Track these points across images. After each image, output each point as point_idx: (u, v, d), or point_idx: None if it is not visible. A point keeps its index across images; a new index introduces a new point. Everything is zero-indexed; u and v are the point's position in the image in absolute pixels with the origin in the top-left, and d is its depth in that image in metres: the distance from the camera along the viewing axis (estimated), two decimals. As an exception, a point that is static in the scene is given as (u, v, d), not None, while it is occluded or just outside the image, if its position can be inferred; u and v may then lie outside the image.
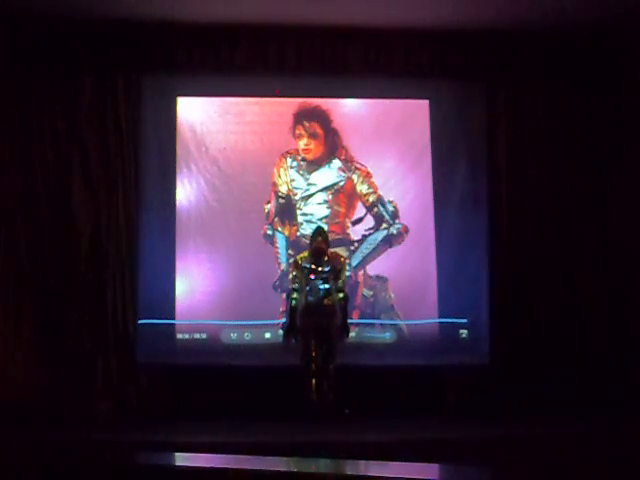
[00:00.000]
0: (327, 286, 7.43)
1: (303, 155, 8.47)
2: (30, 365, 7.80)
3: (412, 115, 8.60)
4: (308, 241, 7.80)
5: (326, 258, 7.51)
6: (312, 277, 7.45)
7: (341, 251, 8.12)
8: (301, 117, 8.47)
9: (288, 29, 8.16)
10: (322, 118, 8.48)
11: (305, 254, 7.61)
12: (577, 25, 8.08)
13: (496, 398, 7.96)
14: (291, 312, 7.53)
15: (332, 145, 8.48)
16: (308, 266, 7.48)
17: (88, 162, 8.07)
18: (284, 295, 8.13)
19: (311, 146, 8.47)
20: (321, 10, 7.79)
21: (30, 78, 8.06)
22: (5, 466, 4.18)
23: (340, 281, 7.51)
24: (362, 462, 5.23)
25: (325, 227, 7.99)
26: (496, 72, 8.46)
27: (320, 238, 7.54)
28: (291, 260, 8.07)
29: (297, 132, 8.46)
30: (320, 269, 7.46)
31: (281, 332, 7.78)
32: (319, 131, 8.49)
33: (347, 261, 8.02)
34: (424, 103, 8.61)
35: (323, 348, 7.40)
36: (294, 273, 7.62)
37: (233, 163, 8.42)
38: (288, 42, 8.28)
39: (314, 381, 7.33)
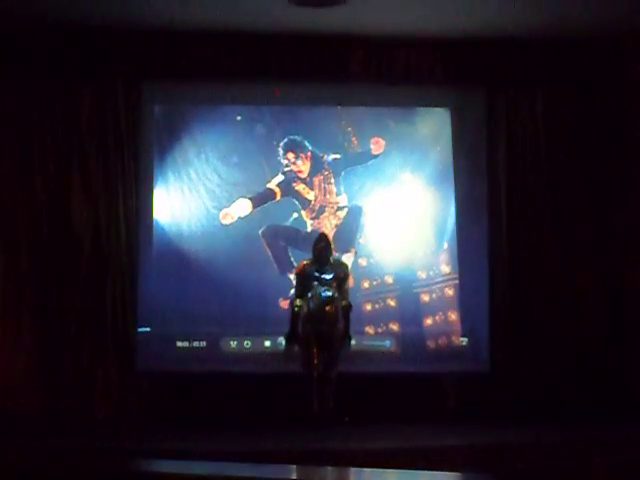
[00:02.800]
0: (329, 293, 7.33)
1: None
2: (30, 372, 7.79)
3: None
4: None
5: (329, 265, 7.48)
6: (315, 284, 7.40)
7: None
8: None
9: (288, 35, 8.16)
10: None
11: (308, 260, 7.57)
12: (577, 29, 8.07)
13: (496, 406, 7.96)
14: (293, 319, 7.49)
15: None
16: (311, 273, 7.44)
17: (88, 167, 8.06)
18: (285, 303, 8.12)
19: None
20: (322, 17, 7.79)
21: (31, 83, 8.06)
22: (5, 472, 4.17)
23: (343, 288, 7.48)
24: (362, 469, 5.22)
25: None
26: (496, 76, 8.46)
27: (323, 244, 7.51)
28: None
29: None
30: (323, 276, 7.42)
31: (281, 340, 7.76)
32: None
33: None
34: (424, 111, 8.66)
35: (325, 356, 7.35)
36: (296, 279, 7.59)
37: (233, 171, 8.43)
38: (288, 49, 8.28)
39: (315, 389, 7.27)
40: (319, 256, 7.48)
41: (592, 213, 8.37)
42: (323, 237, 7.65)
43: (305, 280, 7.46)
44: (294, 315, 7.48)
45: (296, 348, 7.48)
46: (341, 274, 7.52)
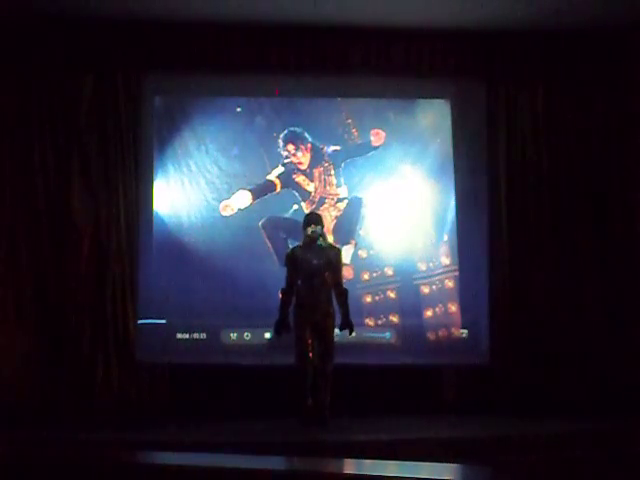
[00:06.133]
0: (323, 279, 7.08)
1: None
2: (30, 365, 7.80)
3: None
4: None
5: (320, 245, 7.20)
6: (306, 269, 7.10)
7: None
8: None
9: (288, 27, 8.15)
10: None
11: (299, 245, 7.35)
12: (577, 21, 8.07)
13: (496, 398, 7.97)
14: (282, 306, 7.20)
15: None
16: (302, 258, 7.14)
17: (88, 162, 8.06)
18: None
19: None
20: (322, 9, 7.78)
21: (30, 77, 8.05)
22: (5, 466, 4.18)
23: (337, 274, 7.20)
24: (362, 461, 5.23)
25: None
26: (496, 68, 8.45)
27: (313, 226, 7.23)
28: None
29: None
30: (315, 261, 7.12)
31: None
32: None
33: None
34: (424, 103, 8.65)
35: (319, 348, 7.08)
36: (287, 266, 7.28)
37: (233, 162, 8.43)
38: (288, 40, 8.27)
39: (309, 383, 7.01)
40: (310, 238, 7.17)
41: (592, 206, 8.37)
42: (313, 218, 7.32)
43: (296, 265, 7.16)
44: (283, 302, 7.21)
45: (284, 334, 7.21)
46: (334, 258, 7.21)
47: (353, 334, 7.41)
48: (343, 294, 7.24)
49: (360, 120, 8.56)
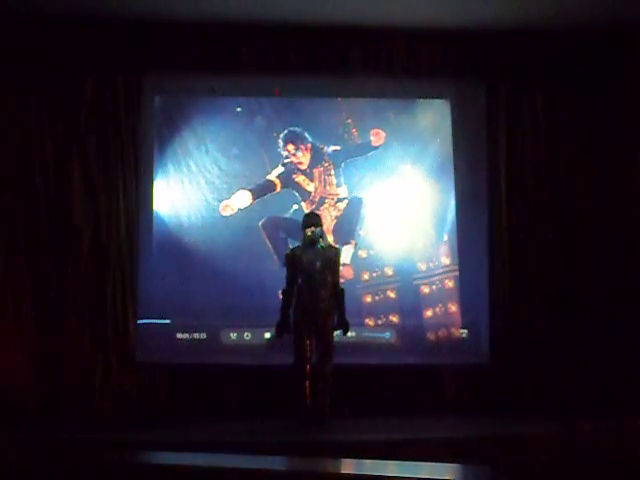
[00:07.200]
0: (323, 280, 7.06)
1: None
2: (30, 365, 7.80)
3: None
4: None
5: (320, 247, 7.18)
6: (307, 270, 7.08)
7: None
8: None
9: (288, 27, 8.15)
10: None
11: (298, 246, 7.34)
12: (577, 21, 8.07)
13: (496, 398, 7.97)
14: (283, 307, 7.20)
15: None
16: (302, 258, 7.12)
17: (88, 162, 8.06)
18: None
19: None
20: (322, 9, 7.79)
21: (30, 78, 8.05)
22: (5, 466, 4.18)
23: (336, 274, 7.19)
24: (362, 461, 5.24)
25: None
26: (496, 68, 8.45)
27: (313, 227, 7.21)
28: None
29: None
30: (315, 261, 7.10)
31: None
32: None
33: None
34: (424, 103, 8.65)
35: (318, 348, 7.07)
36: (287, 267, 7.27)
37: (233, 162, 8.44)
38: (288, 40, 8.28)
39: (308, 384, 7.00)
40: (309, 239, 7.15)
41: (592, 206, 8.37)
42: (312, 219, 7.28)
43: (296, 267, 7.14)
44: (284, 303, 7.19)
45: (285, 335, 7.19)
46: (333, 258, 7.20)
47: (352, 334, 7.45)
48: (340, 294, 7.22)
49: (360, 120, 8.57)
